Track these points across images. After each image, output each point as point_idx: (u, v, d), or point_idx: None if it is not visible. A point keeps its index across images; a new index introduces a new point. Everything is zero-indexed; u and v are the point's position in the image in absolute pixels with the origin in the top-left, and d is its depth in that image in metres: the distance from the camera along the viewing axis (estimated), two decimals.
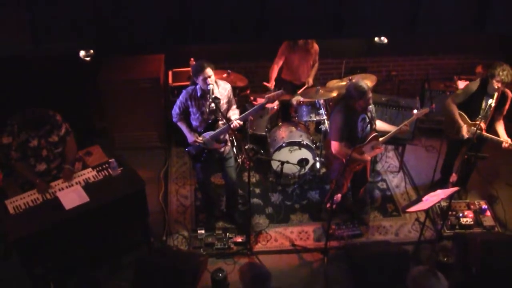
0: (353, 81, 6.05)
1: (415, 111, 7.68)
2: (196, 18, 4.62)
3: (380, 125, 6.46)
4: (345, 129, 6.13)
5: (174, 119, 6.33)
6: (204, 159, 6.44)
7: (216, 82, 6.08)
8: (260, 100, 7.69)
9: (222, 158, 6.56)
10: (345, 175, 6.42)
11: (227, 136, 6.39)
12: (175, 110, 6.26)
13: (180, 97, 6.21)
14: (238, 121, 6.08)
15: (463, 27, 5.03)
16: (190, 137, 6.25)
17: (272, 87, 7.80)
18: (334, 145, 6.22)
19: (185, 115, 6.28)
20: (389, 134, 6.36)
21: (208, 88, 5.87)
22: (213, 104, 5.92)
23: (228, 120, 6.03)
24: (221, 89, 6.13)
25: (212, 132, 6.20)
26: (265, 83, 7.90)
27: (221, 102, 6.10)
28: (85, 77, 7.73)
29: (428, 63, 9.31)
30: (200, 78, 5.88)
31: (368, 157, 6.29)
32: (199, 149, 6.34)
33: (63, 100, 7.27)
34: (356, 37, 7.32)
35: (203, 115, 6.17)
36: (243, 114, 6.23)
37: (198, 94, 6.05)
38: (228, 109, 6.27)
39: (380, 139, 6.32)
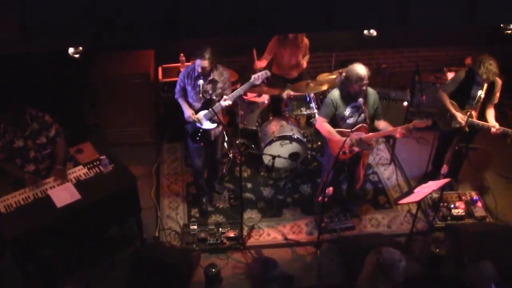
0: (355, 63, 6.11)
1: (405, 103, 7.74)
2: (188, 13, 4.61)
3: (381, 124, 6.44)
4: (331, 107, 6.27)
5: (175, 96, 6.55)
6: (199, 139, 6.57)
7: (217, 66, 6.33)
8: (251, 95, 7.70)
9: (213, 141, 6.75)
10: (331, 158, 6.48)
11: (219, 119, 6.48)
12: (177, 88, 6.52)
13: (180, 74, 6.46)
14: (227, 102, 6.27)
15: (453, 18, 5.03)
16: (186, 113, 6.45)
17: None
18: (317, 119, 6.44)
19: (184, 92, 6.48)
20: (380, 132, 6.35)
21: (195, 75, 6.20)
22: (206, 85, 6.24)
23: (220, 99, 6.29)
24: (219, 72, 6.35)
25: (206, 111, 6.37)
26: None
27: (218, 85, 6.33)
28: (75, 73, 7.69)
29: (418, 55, 9.31)
30: (197, 62, 6.12)
31: (342, 141, 6.16)
32: (195, 128, 6.49)
33: (54, 96, 7.25)
34: (346, 29, 7.33)
35: (197, 94, 6.32)
36: (233, 93, 6.37)
37: (195, 74, 6.25)
38: (222, 94, 6.42)
39: (370, 134, 6.32)
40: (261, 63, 7.79)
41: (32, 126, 5.89)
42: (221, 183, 7.56)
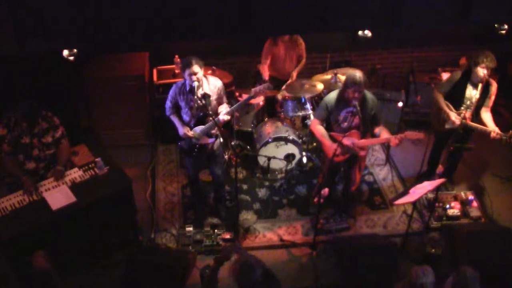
0: (355, 69, 6.16)
1: (400, 104, 7.75)
2: (181, 15, 4.61)
3: (377, 130, 6.41)
4: (325, 110, 6.31)
5: (167, 113, 6.38)
6: (195, 154, 6.45)
7: (206, 78, 6.14)
8: (246, 96, 7.69)
9: (211, 154, 6.58)
10: (326, 160, 6.54)
11: (217, 132, 6.39)
12: (167, 104, 6.33)
13: (171, 91, 6.25)
14: (226, 116, 6.08)
15: (447, 18, 5.05)
16: (181, 130, 6.27)
17: (267, 79, 7.82)
18: (312, 121, 6.54)
19: (176, 109, 6.32)
20: (372, 139, 6.35)
21: (193, 85, 5.89)
22: (200, 101, 6.01)
23: (216, 115, 6.05)
24: (211, 85, 6.15)
25: (202, 127, 6.24)
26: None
27: (211, 98, 6.14)
28: (69, 75, 7.68)
29: (412, 56, 9.33)
30: (186, 73, 5.89)
31: (332, 146, 6.21)
32: (190, 144, 6.37)
33: (48, 98, 7.21)
34: (340, 30, 7.34)
35: (191, 110, 6.20)
36: (230, 109, 6.23)
37: (187, 89, 6.06)
38: (218, 105, 6.28)
39: (362, 140, 6.32)
40: (265, 74, 7.86)
41: (41, 124, 5.97)
42: (227, 210, 7.26)
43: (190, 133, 6.23)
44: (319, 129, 6.36)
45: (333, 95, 6.28)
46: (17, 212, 5.64)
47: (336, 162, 6.43)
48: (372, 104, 6.26)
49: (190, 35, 4.90)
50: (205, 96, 6.06)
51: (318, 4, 4.67)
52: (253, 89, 6.15)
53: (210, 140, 6.36)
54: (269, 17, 4.75)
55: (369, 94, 6.27)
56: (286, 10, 4.72)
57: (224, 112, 6.13)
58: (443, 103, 6.75)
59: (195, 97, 5.93)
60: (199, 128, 6.24)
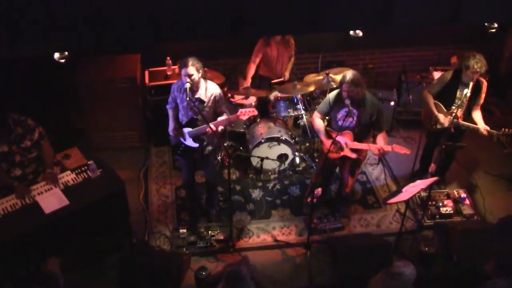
0: (350, 70, 6.21)
1: (392, 103, 7.76)
2: (173, 15, 4.60)
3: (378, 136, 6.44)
4: (327, 105, 6.39)
5: (167, 106, 6.40)
6: (180, 153, 6.46)
7: (206, 82, 6.14)
8: (238, 97, 7.71)
9: (203, 157, 6.57)
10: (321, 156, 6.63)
11: (211, 138, 6.38)
12: (169, 99, 6.35)
13: (173, 85, 6.27)
14: (212, 127, 6.03)
15: (438, 18, 5.06)
16: (170, 126, 6.34)
17: (248, 85, 7.82)
18: (314, 112, 6.58)
19: (176, 104, 6.32)
20: (363, 144, 6.34)
21: (185, 86, 5.88)
22: (192, 103, 6.00)
23: (206, 122, 6.02)
24: (208, 92, 6.13)
25: (190, 129, 6.23)
26: (241, 80, 7.94)
27: (204, 105, 6.12)
28: (61, 78, 7.65)
29: (404, 55, 9.37)
30: (182, 72, 5.92)
31: (327, 141, 6.32)
32: (177, 142, 6.39)
33: (40, 102, 7.20)
34: (332, 31, 7.35)
35: (184, 109, 6.20)
36: (217, 121, 6.17)
37: (184, 87, 6.00)
38: (215, 113, 6.25)
39: (354, 142, 6.33)
40: (249, 76, 7.84)
41: (15, 130, 5.81)
42: (218, 212, 7.24)
43: (177, 132, 6.29)
44: (317, 122, 6.46)
45: (336, 92, 6.33)
46: (10, 216, 5.58)
47: (331, 158, 6.45)
48: (372, 109, 6.21)
49: (182, 36, 4.88)
50: (200, 101, 6.07)
51: (310, 5, 4.67)
52: (240, 110, 6.27)
53: (195, 145, 6.35)
54: (261, 18, 4.74)
55: (370, 98, 6.24)
56: (278, 10, 4.71)
57: (216, 121, 6.12)
58: (432, 105, 6.77)
59: (187, 98, 5.91)
60: (187, 130, 6.25)
